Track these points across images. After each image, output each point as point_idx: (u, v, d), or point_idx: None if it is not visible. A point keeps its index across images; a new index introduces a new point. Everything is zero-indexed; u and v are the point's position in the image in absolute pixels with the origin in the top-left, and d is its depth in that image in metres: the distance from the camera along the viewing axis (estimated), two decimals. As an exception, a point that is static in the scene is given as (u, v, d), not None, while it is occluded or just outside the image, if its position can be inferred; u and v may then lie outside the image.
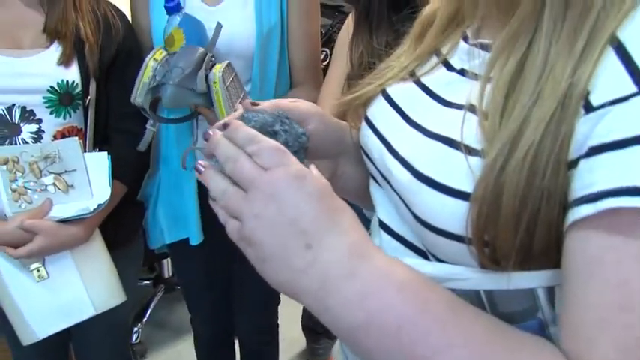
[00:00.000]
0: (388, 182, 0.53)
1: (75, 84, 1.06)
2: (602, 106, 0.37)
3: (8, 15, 1.05)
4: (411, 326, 0.39)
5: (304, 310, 2.08)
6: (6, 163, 1.02)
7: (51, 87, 1.04)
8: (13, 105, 1.03)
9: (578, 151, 0.38)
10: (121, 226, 1.19)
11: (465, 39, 0.53)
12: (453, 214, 0.43)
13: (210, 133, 0.45)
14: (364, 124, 0.58)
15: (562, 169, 0.39)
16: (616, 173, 0.36)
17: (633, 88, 0.36)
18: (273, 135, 0.48)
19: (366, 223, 0.54)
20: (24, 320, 1.09)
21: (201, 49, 1.01)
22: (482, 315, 0.42)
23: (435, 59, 0.56)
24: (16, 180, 1.04)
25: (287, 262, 0.40)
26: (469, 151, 0.43)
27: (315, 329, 2.09)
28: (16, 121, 1.04)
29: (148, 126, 1.10)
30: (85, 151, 1.08)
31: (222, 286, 1.45)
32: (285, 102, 0.54)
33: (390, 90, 0.57)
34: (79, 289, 1.11)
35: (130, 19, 1.20)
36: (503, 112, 0.42)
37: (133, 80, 1.05)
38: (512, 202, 0.39)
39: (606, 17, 0.40)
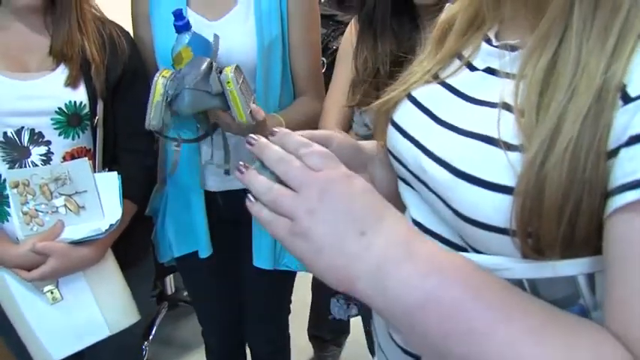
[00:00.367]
0: (422, 182, 0.54)
1: (83, 105, 1.07)
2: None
3: (14, 39, 1.05)
4: (471, 302, 0.40)
5: (311, 318, 2.09)
6: (17, 186, 1.02)
7: (59, 108, 1.04)
8: (22, 128, 1.03)
9: (618, 141, 0.40)
10: (130, 245, 1.19)
11: (488, 41, 0.55)
12: (494, 208, 0.44)
13: (255, 138, 0.47)
14: (391, 129, 0.59)
15: (602, 159, 0.40)
16: None
17: None
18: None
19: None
20: (39, 343, 1.08)
21: (207, 58, 1.02)
22: (536, 298, 0.43)
23: (457, 62, 0.57)
24: (27, 202, 1.03)
25: (342, 249, 0.42)
26: (508, 146, 0.44)
27: (322, 337, 2.10)
28: (25, 143, 1.04)
29: (173, 147, 1.11)
30: (95, 172, 1.08)
31: (233, 297, 1.45)
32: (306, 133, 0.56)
33: (415, 93, 0.58)
34: (93, 310, 1.11)
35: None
36: (539, 109, 0.43)
37: (140, 99, 1.05)
38: (554, 195, 0.41)
39: (636, 15, 0.42)
